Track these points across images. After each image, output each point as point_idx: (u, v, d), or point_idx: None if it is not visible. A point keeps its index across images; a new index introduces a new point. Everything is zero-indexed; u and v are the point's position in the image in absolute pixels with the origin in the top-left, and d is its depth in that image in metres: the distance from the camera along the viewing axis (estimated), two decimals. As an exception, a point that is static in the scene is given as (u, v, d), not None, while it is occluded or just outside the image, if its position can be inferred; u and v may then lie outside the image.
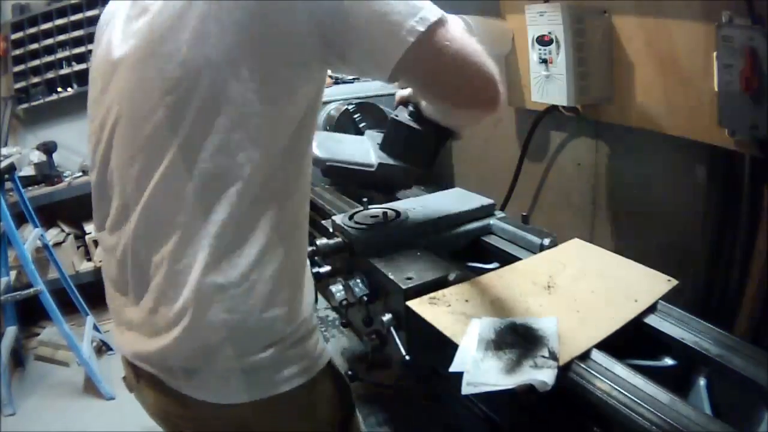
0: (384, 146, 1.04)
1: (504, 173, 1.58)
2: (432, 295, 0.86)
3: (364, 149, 1.04)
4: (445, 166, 1.95)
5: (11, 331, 2.54)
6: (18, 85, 3.01)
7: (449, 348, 0.74)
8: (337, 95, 1.71)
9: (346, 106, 1.61)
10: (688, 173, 1.13)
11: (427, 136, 0.98)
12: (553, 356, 0.68)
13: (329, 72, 2.05)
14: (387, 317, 0.94)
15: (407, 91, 1.00)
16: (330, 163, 1.00)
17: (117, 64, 0.70)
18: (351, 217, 1.09)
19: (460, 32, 0.69)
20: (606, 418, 0.65)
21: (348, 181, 0.98)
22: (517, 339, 0.71)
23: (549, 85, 1.22)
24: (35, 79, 3.00)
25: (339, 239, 1.05)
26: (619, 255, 0.98)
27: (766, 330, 0.97)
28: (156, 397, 0.78)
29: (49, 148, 2.91)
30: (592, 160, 1.36)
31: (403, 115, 1.00)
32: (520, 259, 1.04)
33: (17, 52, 2.97)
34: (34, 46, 2.96)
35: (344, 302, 1.07)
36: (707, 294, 1.10)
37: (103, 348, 2.84)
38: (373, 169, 1.02)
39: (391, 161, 1.02)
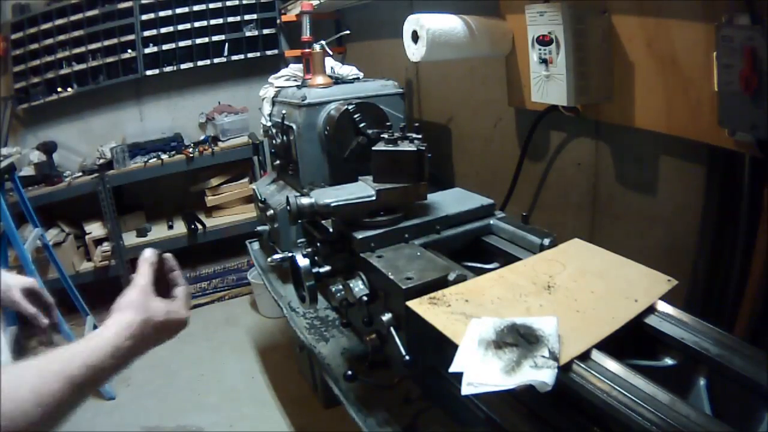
0: (376, 177, 1.15)
1: (504, 173, 1.58)
2: (432, 295, 0.86)
3: (361, 187, 1.16)
4: (445, 166, 1.95)
5: (11, 331, 2.54)
6: (18, 85, 3.01)
7: (449, 348, 0.74)
8: (337, 95, 1.70)
9: (346, 106, 1.61)
10: (688, 173, 1.13)
11: (406, 154, 1.12)
12: (553, 356, 0.68)
13: (328, 72, 2.05)
14: (387, 317, 0.94)
15: None
16: (335, 204, 1.08)
17: None
18: None
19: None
20: (606, 418, 0.65)
21: (356, 215, 1.06)
22: (517, 339, 0.71)
23: (549, 85, 1.22)
24: (35, 79, 3.00)
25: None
26: (619, 255, 0.98)
27: (766, 330, 0.97)
28: None
29: (49, 148, 2.92)
30: (592, 160, 1.36)
31: (380, 145, 1.14)
32: (520, 259, 1.04)
33: (17, 52, 2.97)
34: (34, 46, 2.96)
35: (344, 302, 1.07)
36: (707, 294, 1.10)
37: (103, 348, 2.84)
38: (374, 198, 1.10)
39: (387, 186, 1.12)
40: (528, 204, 1.57)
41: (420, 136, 1.18)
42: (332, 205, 1.09)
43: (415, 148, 1.13)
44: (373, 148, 1.15)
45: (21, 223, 2.57)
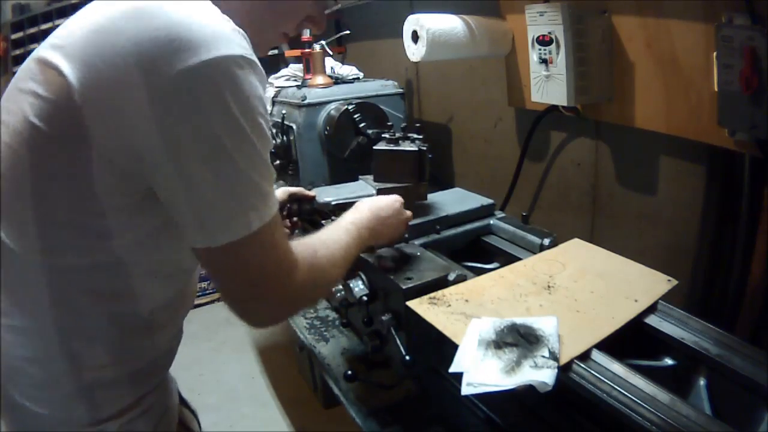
0: (377, 176, 1.15)
1: (504, 173, 1.58)
2: (432, 295, 0.86)
3: (362, 186, 1.18)
4: (445, 166, 1.95)
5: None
6: (18, 85, 3.02)
7: (449, 348, 0.74)
8: (337, 95, 1.70)
9: (346, 106, 1.61)
10: (688, 173, 1.13)
11: (407, 154, 1.12)
12: (553, 356, 0.68)
13: (328, 72, 2.04)
14: (387, 317, 0.94)
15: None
16: (336, 202, 1.11)
17: None
18: None
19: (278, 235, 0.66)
20: (606, 418, 0.66)
21: None
22: (517, 339, 0.71)
23: (549, 85, 1.22)
24: (35, 79, 3.00)
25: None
26: (619, 255, 0.98)
27: (766, 330, 0.97)
28: None
29: (49, 148, 2.92)
30: (592, 160, 1.36)
31: (381, 144, 1.15)
32: (520, 259, 1.04)
33: (17, 52, 2.97)
34: (34, 46, 2.95)
35: (344, 302, 1.07)
36: (707, 294, 1.10)
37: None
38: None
39: (388, 185, 1.13)
40: (528, 204, 1.57)
41: (421, 136, 1.19)
42: (333, 203, 1.09)
43: (416, 148, 1.13)
44: (374, 147, 1.16)
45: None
